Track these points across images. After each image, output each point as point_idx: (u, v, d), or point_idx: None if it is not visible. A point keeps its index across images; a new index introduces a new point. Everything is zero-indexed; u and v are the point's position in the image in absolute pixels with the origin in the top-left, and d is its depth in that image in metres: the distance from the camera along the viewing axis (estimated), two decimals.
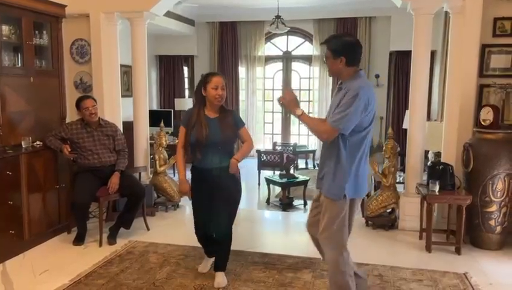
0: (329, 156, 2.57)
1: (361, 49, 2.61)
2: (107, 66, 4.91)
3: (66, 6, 4.31)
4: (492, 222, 3.79)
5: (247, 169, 7.73)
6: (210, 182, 3.06)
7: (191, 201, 3.23)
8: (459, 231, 3.73)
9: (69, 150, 3.94)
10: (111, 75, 4.96)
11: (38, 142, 3.95)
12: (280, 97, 2.65)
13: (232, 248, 3.78)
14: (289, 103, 2.61)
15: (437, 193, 3.73)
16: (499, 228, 3.80)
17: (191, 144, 3.04)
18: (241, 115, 8.93)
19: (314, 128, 2.60)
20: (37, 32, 4.08)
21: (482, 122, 3.86)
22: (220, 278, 3.14)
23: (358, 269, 2.86)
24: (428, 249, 3.78)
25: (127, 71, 6.39)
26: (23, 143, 3.81)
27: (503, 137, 3.78)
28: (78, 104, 4.01)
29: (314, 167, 7.87)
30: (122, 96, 5.26)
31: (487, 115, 3.81)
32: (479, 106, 4.06)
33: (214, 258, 3.31)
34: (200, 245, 3.38)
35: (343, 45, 2.55)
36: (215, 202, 3.08)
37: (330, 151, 2.56)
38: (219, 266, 3.19)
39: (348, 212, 2.60)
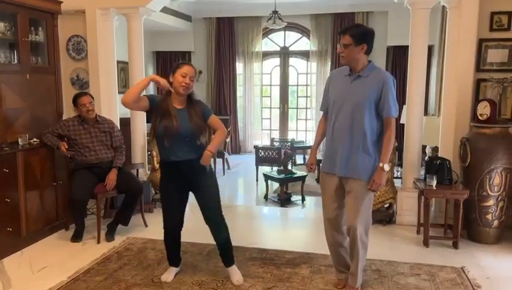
0: (359, 142, 2.70)
1: None
2: (103, 62, 4.89)
3: (61, 2, 4.29)
4: (489, 216, 3.80)
5: (245, 165, 7.76)
6: (181, 179, 2.99)
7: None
8: (456, 225, 3.74)
9: (66, 147, 3.94)
10: (108, 71, 4.94)
11: (35, 140, 3.94)
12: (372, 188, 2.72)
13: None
14: (380, 185, 2.71)
15: (434, 188, 3.74)
16: (496, 222, 3.81)
17: (158, 135, 2.93)
18: (238, 111, 9.04)
19: (392, 142, 2.73)
20: (32, 28, 4.06)
21: (479, 117, 3.86)
22: (236, 274, 3.12)
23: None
24: (425, 243, 3.79)
25: (124, 67, 6.35)
26: (19, 140, 3.79)
27: (500, 131, 3.79)
28: (75, 100, 4.00)
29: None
30: (119, 92, 5.23)
31: (484, 109, 3.82)
32: (476, 101, 4.07)
33: (178, 268, 3.26)
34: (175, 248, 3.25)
35: (366, 33, 2.71)
36: (197, 195, 3.04)
37: (361, 137, 2.70)
38: (228, 261, 3.15)
39: None
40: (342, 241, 2.95)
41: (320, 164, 2.95)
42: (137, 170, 4.78)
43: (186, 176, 2.98)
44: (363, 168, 2.71)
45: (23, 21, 3.88)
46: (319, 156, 4.15)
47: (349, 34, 2.66)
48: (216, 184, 3.11)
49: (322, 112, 3.01)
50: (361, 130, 2.69)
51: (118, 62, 5.21)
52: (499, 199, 3.77)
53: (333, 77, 2.96)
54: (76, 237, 3.93)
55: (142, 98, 2.90)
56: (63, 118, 4.27)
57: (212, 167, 3.11)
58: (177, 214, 3.10)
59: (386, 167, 2.67)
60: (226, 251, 3.15)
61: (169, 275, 3.18)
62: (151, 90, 8.15)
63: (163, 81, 2.89)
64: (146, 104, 2.91)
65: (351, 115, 2.71)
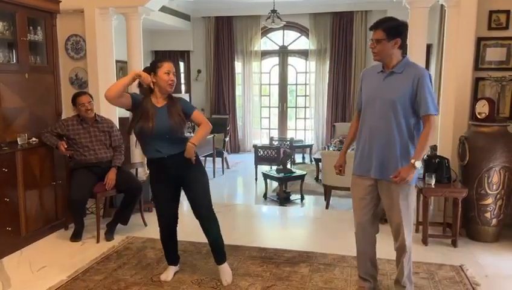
0: (395, 141, 2.56)
1: None
2: (102, 61, 4.89)
3: (60, 1, 4.28)
4: (488, 215, 3.81)
5: (245, 164, 7.76)
6: (169, 175, 2.98)
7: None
8: (455, 223, 3.75)
9: (65, 146, 3.94)
10: (107, 70, 4.94)
11: (34, 139, 3.94)
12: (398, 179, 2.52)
13: (230, 242, 3.81)
14: (405, 179, 2.50)
15: (433, 186, 3.74)
16: (494, 221, 3.82)
17: (137, 134, 2.93)
18: (237, 110, 9.04)
19: (430, 140, 2.56)
20: (31, 28, 4.05)
21: (478, 116, 3.87)
22: (226, 273, 3.10)
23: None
24: (424, 242, 3.80)
25: (123, 67, 6.36)
26: (18, 140, 3.79)
27: (499, 130, 3.79)
28: (74, 100, 4.00)
29: (311, 161, 7.89)
30: None
31: (482, 108, 3.82)
32: (475, 99, 4.08)
33: (177, 267, 3.26)
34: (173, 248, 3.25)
35: (400, 26, 2.55)
36: (186, 190, 3.03)
37: (396, 136, 2.56)
38: (220, 258, 3.13)
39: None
40: (371, 251, 2.85)
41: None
42: (137, 169, 4.78)
43: (172, 172, 2.97)
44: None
45: (22, 20, 3.88)
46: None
47: (381, 28, 2.52)
48: (205, 179, 3.07)
49: (356, 112, 2.90)
50: (397, 128, 2.56)
51: (117, 61, 5.22)
52: (498, 197, 3.78)
53: (366, 74, 2.80)
54: (76, 237, 3.93)
55: (125, 95, 2.88)
56: (62, 118, 4.27)
57: (203, 162, 3.08)
58: (170, 211, 3.10)
59: (418, 164, 2.49)
60: (217, 247, 3.12)
61: (168, 274, 3.18)
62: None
63: (146, 76, 2.87)
64: (128, 101, 2.90)
65: (386, 113, 2.57)
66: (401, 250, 2.70)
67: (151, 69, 2.94)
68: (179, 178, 3.00)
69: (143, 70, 2.98)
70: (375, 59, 2.63)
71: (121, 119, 5.10)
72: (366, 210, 2.75)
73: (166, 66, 2.90)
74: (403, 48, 2.59)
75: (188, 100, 8.25)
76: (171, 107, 2.94)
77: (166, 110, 2.93)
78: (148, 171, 5.00)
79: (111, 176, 3.93)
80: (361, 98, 2.76)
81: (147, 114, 2.87)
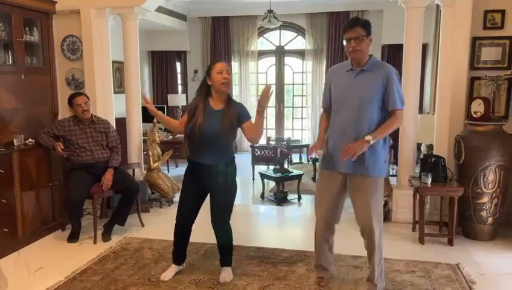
0: (363, 130, 2.63)
1: None
2: (99, 62, 4.89)
3: (56, 2, 4.28)
4: (483, 213, 3.83)
5: (242, 164, 7.75)
6: (200, 177, 2.99)
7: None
8: (451, 222, 3.77)
9: (62, 147, 3.93)
10: (103, 71, 4.94)
11: (30, 140, 3.93)
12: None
13: None
14: (352, 153, 2.54)
15: (429, 185, 3.76)
16: (490, 219, 3.84)
17: (188, 134, 2.95)
18: None
19: (392, 128, 2.67)
20: (27, 28, 4.04)
21: (473, 115, 3.89)
22: (226, 273, 3.13)
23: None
24: (421, 240, 3.82)
25: (119, 67, 6.36)
26: (15, 141, 3.78)
27: (494, 129, 3.82)
28: (71, 101, 3.99)
29: (308, 161, 7.89)
30: (115, 92, 5.23)
31: (478, 107, 3.84)
32: (470, 99, 4.10)
33: (180, 267, 3.26)
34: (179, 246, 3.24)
35: (370, 25, 2.67)
36: (211, 199, 3.04)
37: (367, 131, 2.61)
38: (226, 261, 3.17)
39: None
40: (329, 237, 2.95)
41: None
42: (134, 169, 4.78)
43: (205, 181, 2.99)
44: (372, 163, 2.65)
45: (18, 21, 3.87)
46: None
47: (360, 25, 2.60)
48: (231, 193, 3.07)
49: (323, 110, 2.96)
50: (368, 124, 2.63)
51: (114, 62, 5.21)
52: (493, 196, 3.80)
53: (333, 73, 2.88)
54: (73, 238, 3.93)
55: (184, 116, 3.02)
56: (59, 118, 4.27)
57: (235, 173, 3.11)
58: (192, 213, 3.10)
59: (368, 138, 2.56)
60: (224, 254, 3.17)
61: (168, 273, 3.18)
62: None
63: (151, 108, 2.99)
64: (186, 116, 3.02)
65: (356, 110, 2.64)
66: (371, 248, 2.73)
67: (207, 73, 2.95)
68: (206, 184, 3.02)
69: (204, 77, 3.00)
70: (355, 57, 2.67)
71: (118, 120, 5.10)
72: (333, 203, 2.82)
73: (219, 66, 2.91)
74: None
75: (185, 100, 8.29)
76: (227, 110, 2.93)
77: (221, 115, 2.91)
78: (145, 172, 5.04)
79: (108, 177, 3.92)
80: (329, 95, 2.83)
81: (197, 114, 2.90)
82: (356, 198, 2.73)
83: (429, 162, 3.90)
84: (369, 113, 2.63)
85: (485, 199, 3.80)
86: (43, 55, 4.22)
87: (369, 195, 2.66)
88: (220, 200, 3.03)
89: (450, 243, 3.78)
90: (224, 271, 3.15)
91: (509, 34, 4.08)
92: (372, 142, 2.57)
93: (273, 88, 2.82)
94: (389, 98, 2.62)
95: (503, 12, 4.07)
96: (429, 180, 3.77)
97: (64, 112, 4.37)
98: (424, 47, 6.78)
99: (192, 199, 3.08)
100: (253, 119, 2.99)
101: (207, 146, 2.92)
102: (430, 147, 4.19)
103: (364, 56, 2.66)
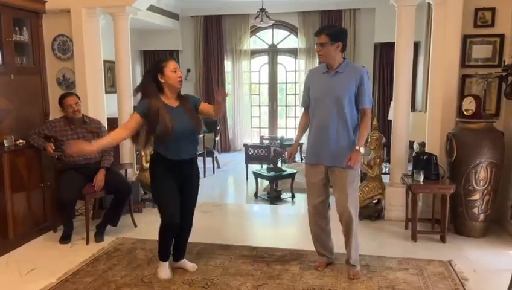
0: (343, 133, 2.97)
1: None
2: (90, 62, 4.85)
3: (46, 1, 4.23)
4: (475, 210, 3.86)
5: (235, 163, 7.76)
6: (180, 173, 3.01)
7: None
8: (443, 219, 3.79)
9: (53, 148, 3.90)
10: (94, 71, 4.91)
11: (21, 141, 3.89)
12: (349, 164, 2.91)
13: (220, 241, 3.83)
14: (357, 163, 2.92)
15: (422, 183, 3.78)
16: (482, 216, 3.87)
17: (158, 139, 2.91)
18: (227, 109, 9.00)
19: (367, 128, 2.99)
20: (17, 28, 4.00)
21: (465, 112, 3.91)
22: (189, 263, 3.29)
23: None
24: (414, 238, 3.84)
25: (111, 67, 6.31)
26: (5, 142, 3.75)
27: (485, 126, 3.84)
28: (61, 101, 3.96)
29: (301, 159, 7.90)
30: (107, 92, 5.21)
31: (469, 105, 3.87)
32: (462, 96, 4.12)
33: (178, 262, 3.29)
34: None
35: (340, 31, 3.05)
36: (187, 193, 3.08)
37: (343, 128, 2.97)
38: (183, 254, 3.30)
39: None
40: (325, 225, 3.23)
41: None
42: (126, 170, 4.75)
43: (183, 173, 3.03)
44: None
45: (7, 21, 3.83)
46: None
47: (325, 34, 2.93)
48: (198, 188, 3.21)
49: (303, 109, 3.26)
50: (344, 121, 2.96)
51: (105, 61, 5.18)
52: (485, 193, 3.82)
53: (311, 75, 3.21)
54: (65, 239, 3.90)
55: (133, 123, 2.90)
56: (50, 119, 4.23)
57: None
58: (178, 207, 3.03)
59: (362, 150, 2.91)
60: (183, 246, 3.28)
61: (168, 271, 3.17)
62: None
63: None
64: (140, 120, 2.90)
65: (333, 108, 2.96)
66: (349, 234, 3.06)
67: (157, 70, 2.91)
68: (184, 178, 3.05)
69: (146, 73, 3.02)
70: (321, 60, 3.06)
71: (110, 120, 5.07)
72: (320, 193, 3.14)
73: (172, 64, 2.93)
74: (343, 51, 3.00)
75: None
76: (186, 107, 2.99)
77: (183, 110, 2.96)
78: (137, 173, 5.02)
79: (100, 177, 3.90)
80: (308, 95, 3.14)
81: (163, 118, 2.84)
82: (336, 188, 3.05)
83: (421, 160, 3.92)
84: (344, 111, 2.95)
85: (477, 196, 3.83)
86: (33, 55, 4.18)
87: (347, 185, 2.98)
88: (196, 192, 3.16)
89: (443, 240, 3.80)
90: (186, 263, 3.29)
91: (500, 32, 4.11)
92: (362, 149, 2.92)
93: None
94: (360, 98, 2.96)
95: (493, 10, 4.10)
96: (421, 178, 3.78)
97: (55, 113, 4.34)
98: (416, 45, 6.80)
99: (177, 197, 3.04)
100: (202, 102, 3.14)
101: (185, 142, 2.98)
102: (422, 144, 4.21)
103: (330, 60, 2.97)
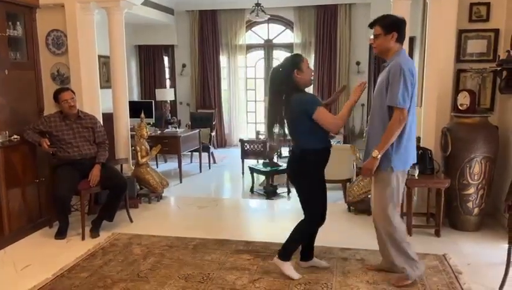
0: (373, 134, 2.79)
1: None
2: (84, 57, 4.83)
3: None
4: (470, 204, 3.88)
5: (231, 158, 7.76)
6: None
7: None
8: (438, 213, 3.81)
9: (48, 143, 3.88)
10: (89, 66, 4.88)
11: (15, 136, 3.87)
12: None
13: (217, 236, 3.83)
14: (371, 170, 2.75)
15: (416, 177, 3.79)
16: (476, 210, 3.89)
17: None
18: (223, 105, 9.01)
19: (395, 133, 2.66)
20: (10, 23, 3.96)
21: (459, 107, 3.92)
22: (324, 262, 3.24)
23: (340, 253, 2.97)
24: (408, 232, 3.83)
25: (106, 62, 6.28)
26: None
27: (480, 121, 3.86)
28: (56, 96, 3.94)
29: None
30: (102, 87, 5.18)
31: (464, 99, 3.88)
32: (457, 91, 4.13)
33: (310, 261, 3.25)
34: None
35: (396, 20, 2.78)
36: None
37: (373, 129, 2.80)
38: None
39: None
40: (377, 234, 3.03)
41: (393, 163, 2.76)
42: (121, 165, 4.74)
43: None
44: (381, 158, 2.71)
45: (1, 15, 3.79)
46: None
47: (378, 25, 2.75)
48: None
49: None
50: (380, 119, 2.75)
51: (100, 56, 5.15)
52: (479, 187, 3.84)
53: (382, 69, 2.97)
54: (60, 234, 3.89)
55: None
56: (44, 114, 4.21)
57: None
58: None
59: (375, 154, 2.68)
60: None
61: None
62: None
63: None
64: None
65: (375, 105, 2.82)
66: (382, 238, 2.91)
67: (295, 67, 2.86)
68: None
69: (285, 70, 2.89)
70: (375, 53, 2.89)
71: (105, 115, 5.05)
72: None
73: (306, 61, 2.91)
74: (401, 41, 2.75)
75: (173, 95, 8.25)
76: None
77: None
78: (133, 168, 5.01)
79: (95, 173, 3.89)
80: None
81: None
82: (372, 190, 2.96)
83: (416, 155, 3.92)
84: (380, 108, 2.75)
85: (471, 190, 3.85)
86: (27, 50, 4.15)
87: (379, 188, 2.83)
88: None
89: (437, 234, 3.82)
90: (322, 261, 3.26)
91: (495, 26, 4.12)
92: (379, 156, 2.68)
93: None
94: (388, 93, 2.67)
95: (488, 4, 4.10)
96: (416, 173, 3.80)
97: (49, 108, 4.31)
98: (412, 40, 6.81)
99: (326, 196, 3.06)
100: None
101: None
102: (417, 139, 4.21)
103: (384, 52, 2.78)
